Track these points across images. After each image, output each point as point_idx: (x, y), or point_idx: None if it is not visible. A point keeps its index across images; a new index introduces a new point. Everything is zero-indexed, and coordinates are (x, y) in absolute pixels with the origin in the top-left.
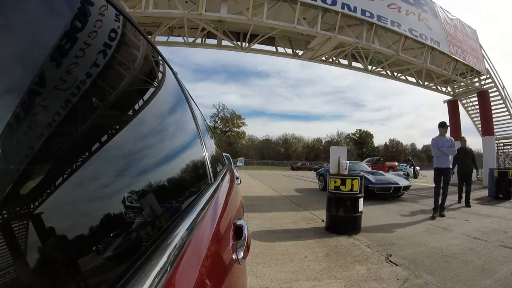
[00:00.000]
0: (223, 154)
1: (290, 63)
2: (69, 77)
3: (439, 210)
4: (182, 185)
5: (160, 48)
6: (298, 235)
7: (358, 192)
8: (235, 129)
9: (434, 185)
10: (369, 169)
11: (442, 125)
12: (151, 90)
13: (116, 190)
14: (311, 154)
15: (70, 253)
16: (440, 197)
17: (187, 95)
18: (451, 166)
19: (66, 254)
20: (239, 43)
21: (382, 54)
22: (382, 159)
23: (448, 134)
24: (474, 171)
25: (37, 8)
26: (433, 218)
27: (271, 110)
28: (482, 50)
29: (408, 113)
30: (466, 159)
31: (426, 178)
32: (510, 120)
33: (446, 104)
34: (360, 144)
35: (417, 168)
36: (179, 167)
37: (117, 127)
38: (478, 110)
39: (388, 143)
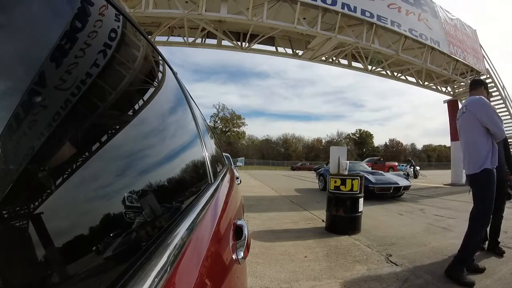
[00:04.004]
0: (223, 154)
1: (289, 64)
2: (69, 77)
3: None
4: (182, 185)
5: (160, 48)
6: (298, 235)
7: (358, 192)
8: (235, 129)
9: (474, 204)
10: (369, 169)
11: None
12: (151, 90)
13: (116, 190)
14: (311, 154)
15: (70, 253)
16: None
17: (187, 95)
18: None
19: (66, 254)
20: (239, 43)
21: (382, 54)
22: (382, 159)
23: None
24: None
25: (37, 8)
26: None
27: (271, 110)
28: (482, 50)
29: (408, 113)
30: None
31: (426, 178)
32: (510, 120)
33: (446, 104)
34: (360, 144)
35: (417, 168)
36: (179, 167)
37: (117, 127)
38: None
39: (388, 143)
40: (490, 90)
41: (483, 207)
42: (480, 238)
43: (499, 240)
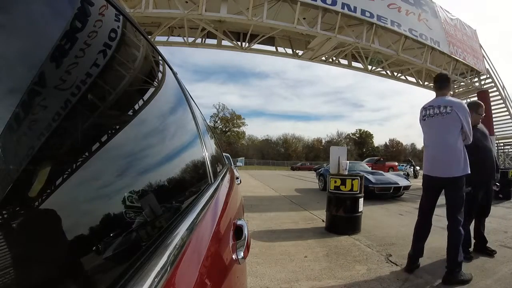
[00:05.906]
0: (223, 154)
1: (288, 64)
2: (69, 77)
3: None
4: (182, 185)
5: (160, 48)
6: (298, 235)
7: (358, 192)
8: (235, 129)
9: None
10: (369, 169)
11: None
12: (151, 90)
13: (116, 190)
14: (311, 154)
15: (70, 253)
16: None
17: (187, 95)
18: None
19: (66, 254)
20: (239, 43)
21: (382, 54)
22: (382, 159)
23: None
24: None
25: (37, 8)
26: None
27: (270, 110)
28: (482, 50)
29: (407, 113)
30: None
31: None
32: (510, 120)
33: None
34: (360, 144)
35: (417, 168)
36: (179, 167)
37: (117, 127)
38: None
39: (388, 143)
40: (490, 90)
41: (461, 209)
42: (462, 238)
43: (487, 240)
